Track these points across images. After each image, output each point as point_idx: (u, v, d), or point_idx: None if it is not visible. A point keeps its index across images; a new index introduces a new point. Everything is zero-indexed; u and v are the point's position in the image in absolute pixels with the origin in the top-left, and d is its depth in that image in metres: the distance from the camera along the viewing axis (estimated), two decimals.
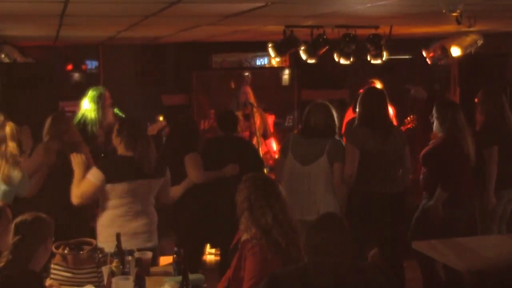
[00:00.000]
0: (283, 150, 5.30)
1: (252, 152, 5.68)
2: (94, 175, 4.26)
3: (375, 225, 5.12)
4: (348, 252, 2.88)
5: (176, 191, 5.05)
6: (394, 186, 5.13)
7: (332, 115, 5.11)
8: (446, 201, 5.14)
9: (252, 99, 6.95)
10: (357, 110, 5.33)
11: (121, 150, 4.39)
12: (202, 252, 5.56)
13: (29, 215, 3.29)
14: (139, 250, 4.04)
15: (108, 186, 4.25)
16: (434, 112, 5.31)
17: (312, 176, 5.03)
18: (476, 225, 5.48)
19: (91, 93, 6.33)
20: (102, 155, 5.67)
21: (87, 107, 6.30)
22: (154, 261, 4.30)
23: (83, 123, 6.27)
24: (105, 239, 4.17)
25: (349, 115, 7.29)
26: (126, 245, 3.94)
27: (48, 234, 3.30)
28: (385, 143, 5.09)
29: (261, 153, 6.63)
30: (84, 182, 4.29)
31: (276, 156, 6.97)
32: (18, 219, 3.27)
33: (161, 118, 6.59)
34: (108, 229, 4.27)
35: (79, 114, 6.39)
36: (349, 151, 5.05)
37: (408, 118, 6.94)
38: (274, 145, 7.32)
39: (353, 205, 5.16)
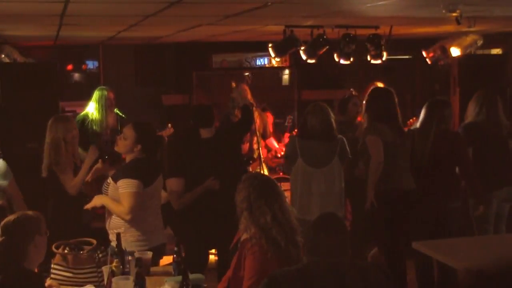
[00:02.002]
0: (289, 155, 5.30)
1: (228, 146, 5.35)
2: (131, 185, 4.18)
3: (394, 222, 5.16)
4: (348, 251, 2.89)
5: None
6: (410, 182, 5.19)
7: (329, 116, 5.19)
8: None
9: (250, 98, 6.93)
10: (370, 108, 5.34)
11: (136, 154, 4.36)
12: (206, 254, 5.47)
13: (14, 215, 3.27)
14: (159, 245, 4.33)
15: (148, 189, 4.29)
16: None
17: (327, 178, 5.14)
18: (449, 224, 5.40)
19: (96, 93, 6.35)
20: (107, 157, 5.65)
21: (91, 106, 6.33)
22: (160, 258, 4.43)
23: (84, 122, 6.28)
24: (134, 239, 4.22)
25: None
26: (157, 239, 4.31)
27: (35, 230, 3.24)
28: (401, 139, 5.19)
29: (261, 154, 6.62)
30: (125, 196, 4.19)
31: (279, 155, 7.00)
32: (4, 220, 3.26)
33: (169, 125, 6.61)
34: (137, 228, 4.26)
35: (82, 113, 6.42)
36: (372, 142, 5.15)
37: (411, 120, 6.94)
38: (275, 143, 7.31)
39: (382, 204, 5.17)
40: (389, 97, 5.33)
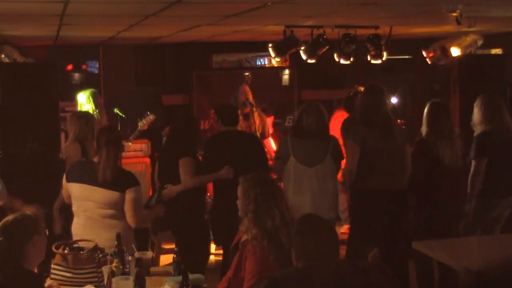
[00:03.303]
0: (281, 155, 5.31)
1: (258, 146, 5.63)
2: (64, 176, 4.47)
3: (378, 223, 5.15)
4: (338, 249, 2.92)
5: (171, 191, 5.10)
6: (397, 183, 5.16)
7: (324, 116, 5.23)
8: (424, 202, 5.17)
9: (250, 98, 6.94)
10: (359, 109, 5.40)
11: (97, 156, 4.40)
12: (207, 254, 5.50)
13: (12, 215, 3.27)
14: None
15: (68, 185, 4.38)
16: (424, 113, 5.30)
17: (319, 176, 5.14)
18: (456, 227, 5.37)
19: (87, 93, 6.33)
20: None
21: (86, 107, 6.31)
22: None
23: None
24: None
25: (338, 116, 7.31)
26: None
27: (34, 230, 3.23)
28: (385, 141, 5.12)
29: None
30: None
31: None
32: (2, 221, 3.26)
33: (148, 113, 6.62)
34: (75, 237, 4.28)
35: None
36: (349, 148, 5.17)
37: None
38: (273, 145, 7.31)
39: (357, 203, 5.20)
40: (372, 97, 5.27)
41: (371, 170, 5.12)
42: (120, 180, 4.23)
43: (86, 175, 4.28)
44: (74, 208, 4.37)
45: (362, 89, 6.96)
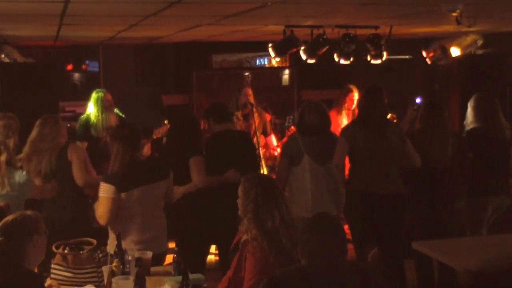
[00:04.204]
0: (290, 154, 5.27)
1: (252, 145, 5.68)
2: (106, 190, 4.16)
3: (374, 225, 5.14)
4: (345, 250, 2.90)
5: (177, 192, 5.08)
6: (393, 186, 5.12)
7: (326, 112, 5.26)
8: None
9: (252, 100, 6.95)
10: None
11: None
12: (205, 253, 5.51)
13: (12, 215, 3.27)
14: (157, 254, 4.16)
15: (123, 195, 4.17)
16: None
17: (331, 174, 5.14)
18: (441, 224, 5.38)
19: (93, 96, 6.35)
20: None
21: (91, 109, 6.34)
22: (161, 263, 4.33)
23: (86, 126, 6.31)
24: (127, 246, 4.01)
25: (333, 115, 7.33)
26: (146, 250, 3.99)
27: (33, 230, 3.23)
28: (377, 141, 5.08)
29: (261, 153, 6.62)
30: (100, 201, 4.20)
31: (276, 153, 6.99)
32: (2, 221, 3.25)
33: (166, 122, 6.62)
34: (128, 237, 4.20)
35: (83, 117, 6.43)
36: (339, 144, 5.16)
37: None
38: (274, 141, 7.32)
39: (353, 205, 5.20)
40: (367, 97, 5.28)
41: (365, 172, 5.09)
42: (163, 167, 4.45)
43: (137, 176, 4.23)
44: (127, 213, 4.21)
45: (353, 88, 7.04)
